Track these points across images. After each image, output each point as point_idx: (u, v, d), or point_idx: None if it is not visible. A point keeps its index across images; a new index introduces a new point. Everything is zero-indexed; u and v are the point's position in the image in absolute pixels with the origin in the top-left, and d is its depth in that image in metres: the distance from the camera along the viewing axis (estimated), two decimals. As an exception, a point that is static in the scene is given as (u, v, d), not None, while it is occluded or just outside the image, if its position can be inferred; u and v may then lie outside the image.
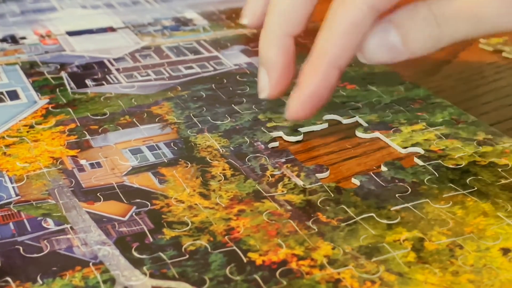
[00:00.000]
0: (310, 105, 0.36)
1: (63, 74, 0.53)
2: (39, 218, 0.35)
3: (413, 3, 0.36)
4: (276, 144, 0.43)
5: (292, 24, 0.38)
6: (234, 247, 0.33)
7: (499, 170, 0.39)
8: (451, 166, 0.40)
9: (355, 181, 0.38)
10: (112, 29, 0.62)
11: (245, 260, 0.32)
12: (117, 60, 0.55)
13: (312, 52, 0.36)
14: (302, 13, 0.38)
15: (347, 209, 0.36)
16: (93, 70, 0.53)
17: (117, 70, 0.53)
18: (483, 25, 0.36)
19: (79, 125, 0.45)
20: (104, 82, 0.51)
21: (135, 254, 0.33)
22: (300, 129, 0.44)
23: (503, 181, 0.38)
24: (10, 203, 0.36)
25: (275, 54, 0.38)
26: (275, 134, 0.43)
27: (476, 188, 0.37)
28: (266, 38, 0.38)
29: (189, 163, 0.40)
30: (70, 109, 0.47)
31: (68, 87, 0.51)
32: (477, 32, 0.36)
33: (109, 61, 0.55)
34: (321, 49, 0.36)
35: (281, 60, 0.38)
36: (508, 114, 0.46)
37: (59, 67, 0.54)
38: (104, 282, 0.31)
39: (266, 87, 0.39)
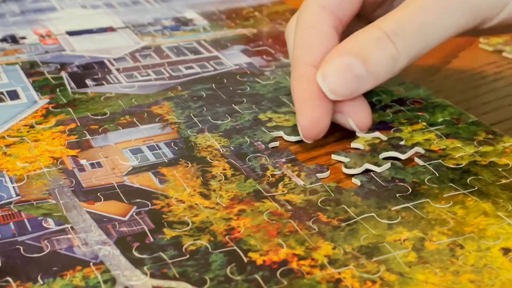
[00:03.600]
0: (310, 116, 0.40)
1: (63, 74, 0.53)
2: (39, 218, 0.35)
3: (364, 28, 0.38)
4: (276, 144, 0.43)
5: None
6: (235, 247, 0.33)
7: (500, 169, 0.39)
8: (451, 166, 0.40)
9: (356, 181, 0.38)
10: (112, 29, 0.62)
11: (245, 260, 0.32)
12: (117, 60, 0.55)
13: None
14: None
15: (347, 209, 0.36)
16: (93, 70, 0.53)
17: (117, 70, 0.53)
18: (430, 35, 0.37)
19: (79, 125, 0.45)
20: (104, 82, 0.51)
21: (136, 254, 0.33)
22: (301, 129, 0.44)
23: (503, 181, 0.38)
24: (10, 203, 0.36)
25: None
26: (275, 133, 0.43)
27: (476, 188, 0.37)
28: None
29: (189, 163, 0.40)
30: (70, 109, 0.47)
31: (68, 87, 0.51)
32: (427, 45, 0.37)
33: (109, 61, 0.55)
34: (294, 55, 0.42)
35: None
36: (508, 114, 0.46)
37: (59, 67, 0.54)
38: (105, 282, 0.31)
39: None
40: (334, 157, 0.41)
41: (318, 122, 0.40)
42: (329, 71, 0.38)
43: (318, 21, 0.41)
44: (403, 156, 0.40)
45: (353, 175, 0.39)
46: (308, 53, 0.41)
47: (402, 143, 0.42)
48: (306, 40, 0.41)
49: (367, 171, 0.39)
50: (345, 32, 0.45)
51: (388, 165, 0.39)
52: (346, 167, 0.39)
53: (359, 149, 0.41)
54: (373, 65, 0.37)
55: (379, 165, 0.39)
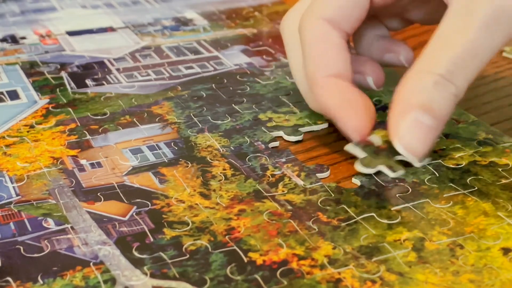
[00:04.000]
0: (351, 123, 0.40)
1: (63, 74, 0.53)
2: (39, 218, 0.35)
3: (410, 74, 0.37)
4: (276, 143, 0.43)
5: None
6: (235, 247, 0.33)
7: (500, 169, 0.39)
8: (451, 166, 0.40)
9: (356, 181, 0.38)
10: (112, 29, 0.62)
11: (245, 260, 0.32)
12: (117, 60, 0.55)
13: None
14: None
15: (347, 209, 0.36)
16: (93, 70, 0.53)
17: (117, 70, 0.53)
18: (482, 56, 0.37)
19: (79, 125, 0.45)
20: (104, 82, 0.51)
21: (136, 254, 0.33)
22: (300, 129, 0.44)
23: (503, 181, 0.38)
24: (10, 203, 0.36)
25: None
26: (275, 133, 0.43)
27: (476, 188, 0.37)
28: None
29: (189, 163, 0.40)
30: (70, 109, 0.47)
31: (68, 87, 0.51)
32: (481, 65, 0.37)
33: (109, 61, 0.55)
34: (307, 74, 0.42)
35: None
36: (508, 114, 0.46)
37: (59, 67, 0.54)
38: (105, 282, 0.31)
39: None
40: (348, 148, 0.40)
41: (366, 123, 0.39)
42: (402, 133, 0.36)
43: (326, 34, 0.41)
44: (417, 164, 0.39)
45: (356, 174, 0.39)
46: (324, 67, 0.40)
47: None
48: (319, 54, 0.41)
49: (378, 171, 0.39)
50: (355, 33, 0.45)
51: (402, 172, 0.38)
52: (361, 163, 0.39)
53: (373, 144, 0.40)
54: (439, 110, 0.36)
55: (393, 170, 0.38)
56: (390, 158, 0.39)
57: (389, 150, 0.39)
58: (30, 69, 0.54)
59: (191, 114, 0.46)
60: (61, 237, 0.34)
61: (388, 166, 0.39)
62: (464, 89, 0.37)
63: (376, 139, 0.40)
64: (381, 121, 0.45)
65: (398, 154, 0.38)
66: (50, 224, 0.35)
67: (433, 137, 0.37)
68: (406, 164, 0.39)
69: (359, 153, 0.39)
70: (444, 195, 0.37)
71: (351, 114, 0.39)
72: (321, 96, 0.40)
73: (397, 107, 0.37)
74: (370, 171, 0.39)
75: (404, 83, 0.37)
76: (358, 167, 0.39)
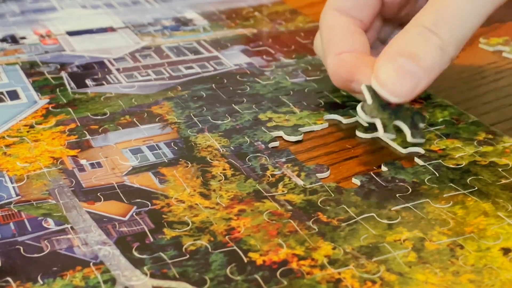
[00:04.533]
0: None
1: (63, 74, 0.53)
2: (39, 218, 0.35)
3: (403, 29, 0.39)
4: (276, 143, 0.43)
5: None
6: (235, 247, 0.33)
7: (500, 170, 0.39)
8: (451, 166, 0.40)
9: (356, 181, 0.38)
10: (112, 29, 0.62)
11: (245, 260, 0.32)
12: (117, 60, 0.55)
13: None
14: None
15: (347, 209, 0.36)
16: (93, 70, 0.53)
17: (117, 70, 0.53)
18: (469, 17, 0.38)
19: (79, 125, 0.45)
20: (104, 82, 0.51)
21: (136, 254, 0.33)
22: (300, 129, 0.44)
23: (503, 181, 0.38)
24: (10, 203, 0.36)
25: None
26: (275, 133, 0.43)
27: (476, 188, 0.37)
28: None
29: (189, 163, 0.40)
30: (70, 109, 0.47)
31: (68, 87, 0.50)
32: (468, 28, 0.38)
33: (109, 61, 0.55)
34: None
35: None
36: (508, 114, 0.46)
37: (59, 67, 0.54)
38: (105, 282, 0.31)
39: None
40: (362, 87, 0.39)
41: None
42: (384, 77, 0.38)
43: (338, 21, 0.44)
44: (409, 138, 0.38)
45: (355, 174, 0.39)
46: (334, 48, 0.43)
47: (421, 125, 0.39)
48: (328, 39, 0.44)
49: (372, 126, 0.38)
50: (379, 38, 0.47)
51: (392, 136, 0.38)
52: (361, 107, 0.38)
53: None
54: (423, 60, 0.37)
55: (385, 130, 0.38)
56: (391, 118, 0.38)
57: (395, 110, 0.38)
58: (30, 69, 0.54)
59: (191, 114, 0.46)
60: (61, 237, 0.34)
61: (383, 123, 0.38)
62: (450, 45, 0.38)
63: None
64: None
65: (401, 120, 0.38)
66: (50, 224, 0.35)
67: (415, 85, 0.37)
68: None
69: (368, 97, 0.38)
70: (444, 195, 0.37)
71: (366, 71, 0.40)
72: (331, 70, 0.43)
73: (383, 54, 0.38)
74: (366, 118, 0.38)
75: (395, 36, 0.39)
76: (358, 109, 0.39)
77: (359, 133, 0.43)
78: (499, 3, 0.38)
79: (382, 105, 0.38)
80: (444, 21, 0.38)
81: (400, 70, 0.37)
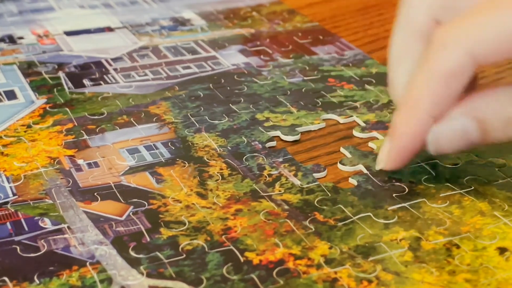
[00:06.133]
0: (403, 156, 0.34)
1: (61, 74, 0.53)
2: (36, 218, 0.35)
3: (491, 88, 0.33)
4: (273, 143, 0.43)
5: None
6: (231, 247, 0.33)
7: (496, 169, 0.39)
8: (448, 165, 0.40)
9: (352, 181, 0.39)
10: (110, 29, 0.62)
11: (242, 259, 0.32)
12: (114, 60, 0.55)
13: (405, 100, 0.34)
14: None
15: (344, 208, 0.36)
16: (90, 70, 0.53)
17: (115, 70, 0.53)
18: None
19: (76, 125, 0.45)
20: (101, 82, 0.51)
21: (132, 253, 0.33)
22: (298, 129, 0.44)
23: (500, 181, 0.38)
24: (7, 202, 0.37)
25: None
26: (272, 133, 0.43)
27: (473, 188, 0.37)
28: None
29: (186, 162, 0.40)
30: (67, 109, 0.47)
31: (65, 87, 0.50)
32: None
33: (106, 61, 0.55)
34: (415, 97, 0.33)
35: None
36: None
37: (56, 67, 0.54)
38: (101, 281, 0.31)
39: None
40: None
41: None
42: (441, 133, 0.33)
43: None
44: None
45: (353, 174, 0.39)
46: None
47: None
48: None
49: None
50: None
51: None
52: (340, 162, 0.40)
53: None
54: (491, 134, 0.33)
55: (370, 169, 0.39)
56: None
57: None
58: (28, 69, 0.54)
59: (189, 114, 0.46)
60: (58, 236, 0.34)
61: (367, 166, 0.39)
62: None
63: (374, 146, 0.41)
64: (378, 121, 0.45)
65: None
66: (47, 223, 0.35)
67: (463, 147, 0.34)
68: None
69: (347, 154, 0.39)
70: (441, 195, 0.37)
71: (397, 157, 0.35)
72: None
73: (456, 109, 0.33)
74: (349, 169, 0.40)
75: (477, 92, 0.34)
76: (339, 166, 0.40)
77: (356, 133, 0.44)
78: None
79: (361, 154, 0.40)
80: None
81: (460, 134, 0.33)
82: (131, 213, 0.36)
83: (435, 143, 0.34)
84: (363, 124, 0.44)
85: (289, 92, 0.49)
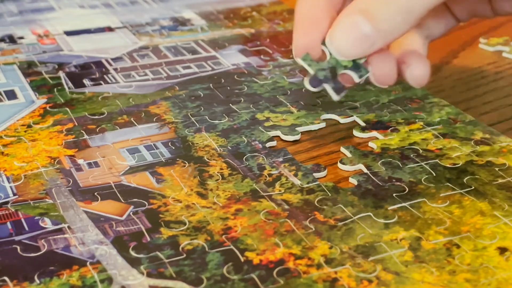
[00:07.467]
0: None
1: (61, 73, 0.53)
2: (36, 218, 0.35)
3: None
4: (273, 143, 0.43)
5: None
6: (232, 247, 0.33)
7: (496, 169, 0.39)
8: (448, 165, 0.40)
9: (353, 181, 0.39)
10: (110, 29, 0.62)
11: (242, 259, 0.32)
12: (115, 60, 0.55)
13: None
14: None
15: (344, 208, 0.36)
16: (91, 69, 0.53)
17: (115, 69, 0.53)
18: None
19: (76, 124, 0.45)
20: (102, 82, 0.51)
21: (133, 253, 0.33)
22: (298, 129, 0.44)
23: (500, 180, 0.38)
24: (7, 202, 0.37)
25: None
26: (272, 133, 0.43)
27: (473, 188, 0.37)
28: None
29: (186, 162, 0.40)
30: (67, 109, 0.47)
31: (66, 86, 0.51)
32: None
33: (107, 60, 0.55)
34: (303, 15, 0.37)
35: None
36: (508, 114, 0.46)
37: (57, 66, 0.54)
38: (102, 281, 0.31)
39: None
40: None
41: (308, 40, 0.37)
42: (335, 33, 0.35)
43: None
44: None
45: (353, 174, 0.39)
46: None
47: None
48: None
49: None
50: None
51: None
52: (340, 162, 0.40)
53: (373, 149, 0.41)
54: (381, 22, 0.34)
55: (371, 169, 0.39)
56: (376, 160, 0.40)
57: (380, 155, 0.40)
58: (28, 69, 0.54)
59: (189, 114, 0.46)
60: (58, 236, 0.34)
61: (367, 166, 0.40)
62: (418, 8, 0.34)
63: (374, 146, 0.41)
64: (378, 121, 0.45)
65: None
66: (47, 223, 0.35)
67: (365, 46, 0.35)
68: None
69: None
70: (441, 195, 0.37)
71: (298, 31, 0.37)
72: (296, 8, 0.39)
73: (345, 9, 0.36)
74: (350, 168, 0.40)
75: None
76: (339, 165, 0.40)
77: (356, 133, 0.44)
78: None
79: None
80: None
81: (352, 28, 0.35)
82: (131, 213, 0.36)
83: (333, 47, 0.35)
84: (363, 124, 0.44)
85: (289, 92, 0.49)
